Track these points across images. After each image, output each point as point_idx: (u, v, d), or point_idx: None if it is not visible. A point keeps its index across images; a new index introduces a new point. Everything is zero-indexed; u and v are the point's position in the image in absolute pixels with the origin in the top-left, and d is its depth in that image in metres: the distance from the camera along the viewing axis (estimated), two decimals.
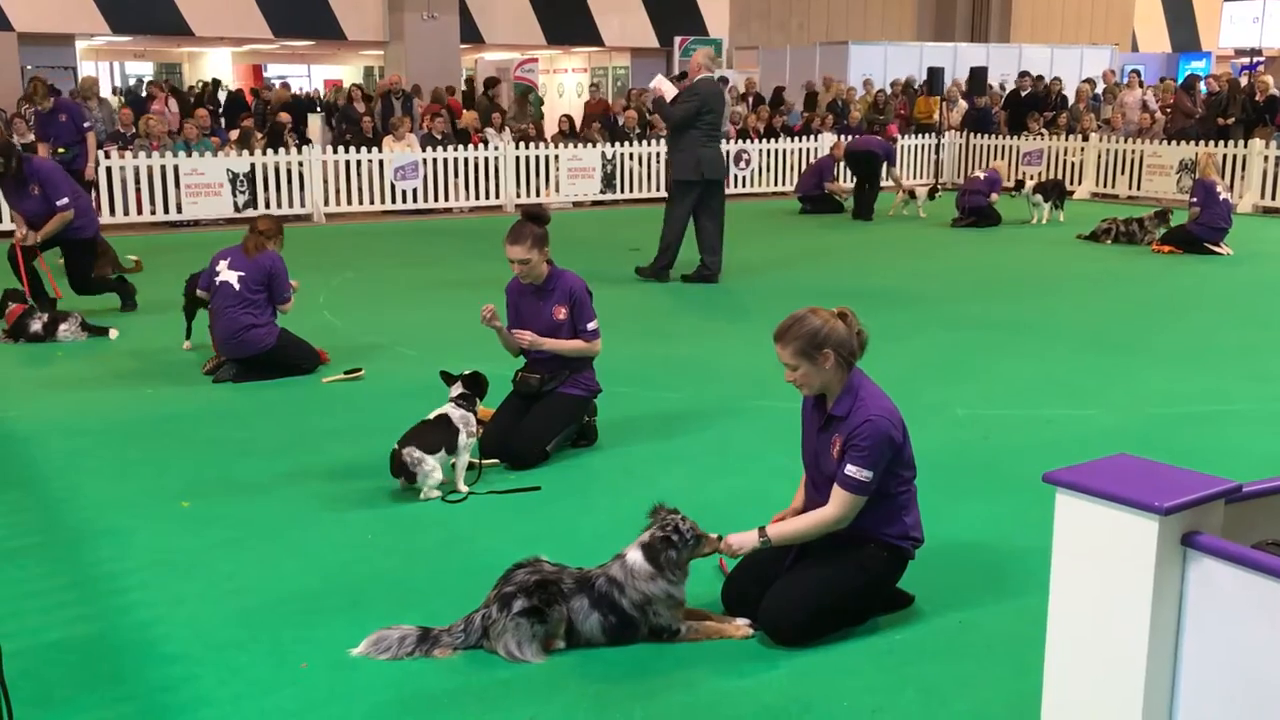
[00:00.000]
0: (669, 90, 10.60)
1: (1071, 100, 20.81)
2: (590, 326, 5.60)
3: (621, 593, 3.61)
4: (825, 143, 18.36)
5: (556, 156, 16.81)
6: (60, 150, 11.49)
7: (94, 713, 3.27)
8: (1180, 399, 6.64)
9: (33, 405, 6.48)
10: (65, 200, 8.63)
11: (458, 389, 5.19)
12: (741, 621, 3.72)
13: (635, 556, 3.65)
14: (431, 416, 5.08)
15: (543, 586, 3.60)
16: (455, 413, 5.08)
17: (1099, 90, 21.50)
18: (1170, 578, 2.20)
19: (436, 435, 4.98)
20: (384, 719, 3.24)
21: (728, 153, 18.05)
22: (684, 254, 10.78)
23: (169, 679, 3.45)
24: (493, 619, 3.57)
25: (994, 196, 14.87)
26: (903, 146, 19.41)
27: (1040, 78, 21.55)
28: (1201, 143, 17.00)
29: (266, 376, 7.00)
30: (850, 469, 3.60)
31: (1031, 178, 16.81)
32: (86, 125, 11.34)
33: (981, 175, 15.25)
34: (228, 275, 7.06)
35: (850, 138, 18.50)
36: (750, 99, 21.09)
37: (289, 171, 15.21)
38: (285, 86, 22.20)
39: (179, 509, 4.87)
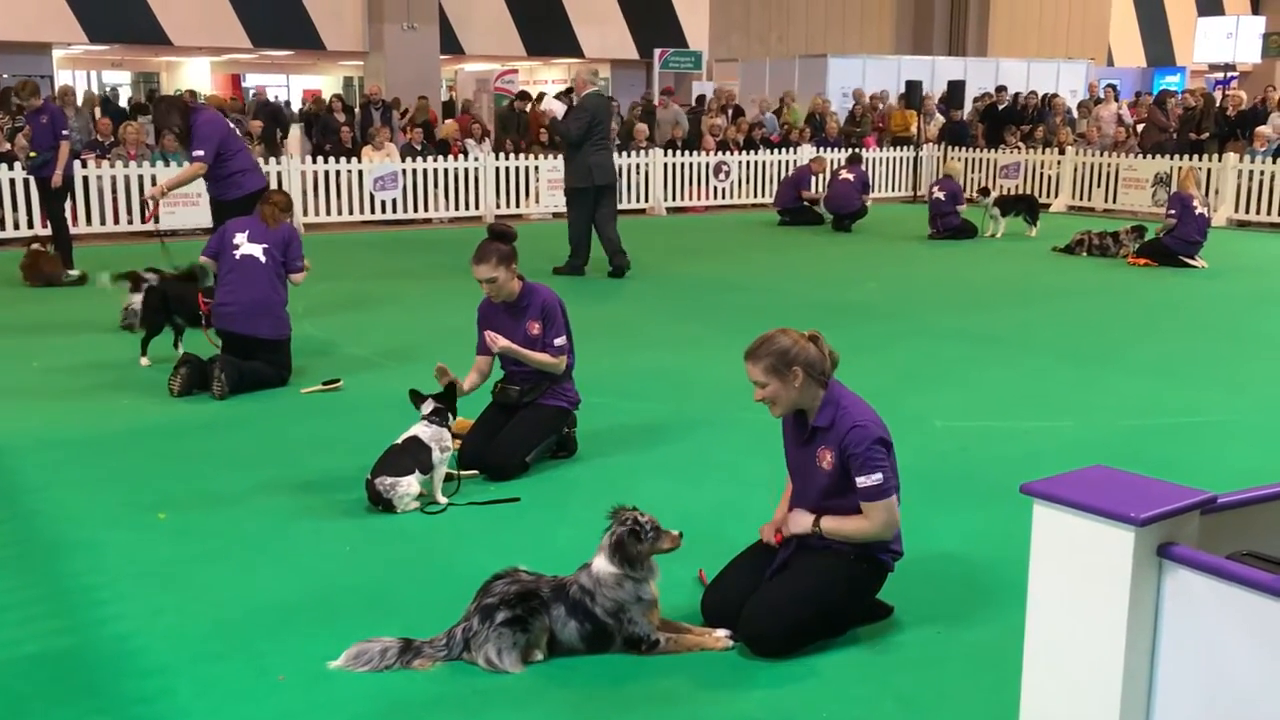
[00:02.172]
0: (560, 109, 11.48)
1: (1036, 104, 20.98)
2: (557, 342, 5.54)
3: (594, 601, 3.62)
4: (804, 154, 18.43)
5: (536, 167, 16.81)
6: (32, 155, 11.40)
7: None
8: (1156, 411, 6.69)
9: (8, 417, 6.43)
10: (200, 153, 8.53)
11: (429, 406, 5.15)
12: (721, 633, 3.73)
13: (600, 563, 3.66)
14: (400, 441, 5.03)
15: (525, 597, 3.60)
16: (426, 431, 5.03)
17: (1072, 106, 21.69)
18: (1146, 588, 2.22)
19: (407, 459, 4.94)
20: None
21: (706, 165, 18.16)
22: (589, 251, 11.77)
23: (146, 692, 3.43)
24: (474, 630, 3.56)
25: (961, 208, 14.93)
26: (878, 159, 19.52)
27: (1003, 88, 21.75)
28: (1177, 157, 17.17)
29: (250, 388, 6.94)
30: (860, 481, 3.64)
31: (994, 191, 16.84)
32: (64, 133, 11.26)
33: (941, 196, 14.85)
34: (251, 249, 7.13)
35: (822, 150, 18.56)
36: (730, 111, 21.15)
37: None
38: (213, 96, 21.88)
39: (156, 521, 4.84)
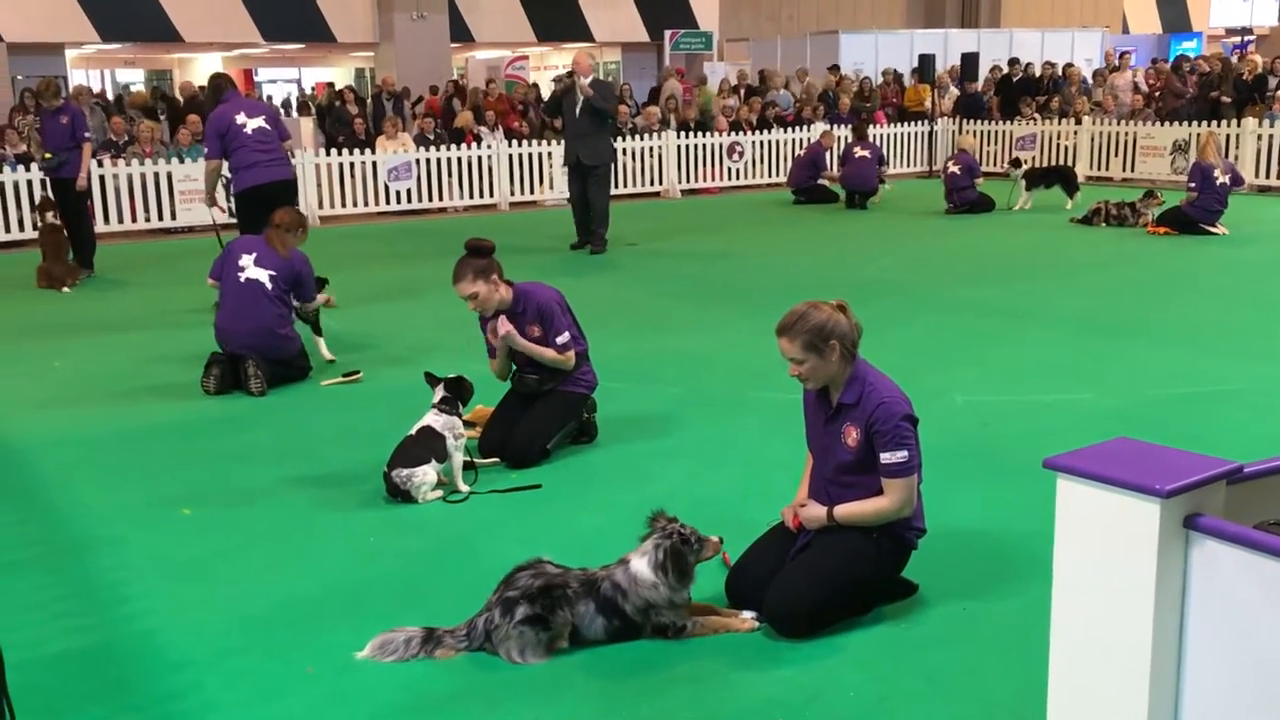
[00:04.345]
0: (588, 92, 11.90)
1: (1051, 74, 20.77)
2: (559, 340, 5.46)
3: (625, 598, 3.60)
4: (818, 132, 18.32)
5: (550, 154, 16.77)
6: (47, 155, 11.41)
7: None
8: (1179, 380, 6.64)
9: (30, 416, 6.46)
10: (206, 150, 8.86)
11: (440, 393, 5.16)
12: (747, 614, 3.72)
13: (640, 565, 3.61)
14: (414, 431, 5.03)
15: (546, 592, 3.57)
16: (438, 420, 5.05)
17: (1087, 75, 21.49)
18: (1173, 560, 2.19)
19: (420, 449, 4.94)
20: None
21: (720, 145, 18.11)
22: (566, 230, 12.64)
23: (174, 687, 3.45)
24: (495, 624, 3.55)
25: (979, 181, 14.82)
26: (891, 135, 19.40)
27: (1016, 60, 21.58)
28: (1195, 123, 17.00)
29: (281, 383, 6.91)
30: (885, 457, 3.63)
31: (1025, 163, 16.70)
32: (86, 135, 11.25)
33: (956, 170, 14.70)
34: (256, 273, 6.91)
35: (832, 126, 18.45)
36: (742, 91, 21.05)
37: None
38: (153, 90, 21.38)
39: (180, 516, 4.86)
